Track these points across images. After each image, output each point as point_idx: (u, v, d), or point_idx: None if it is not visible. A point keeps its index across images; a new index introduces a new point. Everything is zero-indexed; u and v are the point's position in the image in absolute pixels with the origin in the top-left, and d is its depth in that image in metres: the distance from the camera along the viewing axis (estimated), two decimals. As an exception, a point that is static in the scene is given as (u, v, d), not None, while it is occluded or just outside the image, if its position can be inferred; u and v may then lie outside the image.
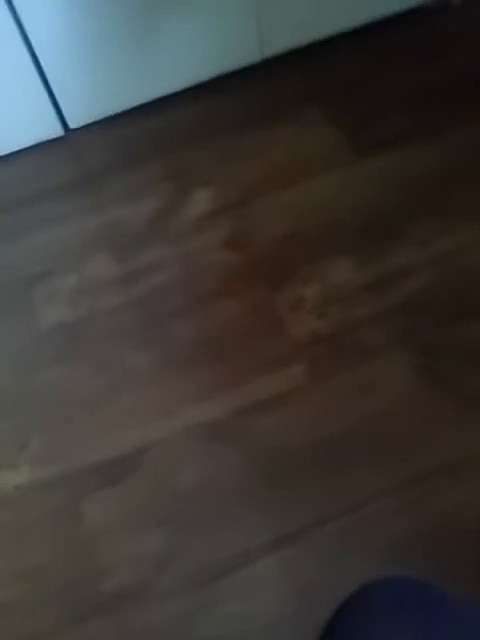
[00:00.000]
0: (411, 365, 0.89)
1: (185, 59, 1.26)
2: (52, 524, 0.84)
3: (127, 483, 0.85)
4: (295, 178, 1.13)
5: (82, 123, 1.29)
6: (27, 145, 1.28)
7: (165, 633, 0.74)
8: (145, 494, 0.84)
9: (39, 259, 1.12)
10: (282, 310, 0.97)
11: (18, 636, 0.74)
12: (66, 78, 1.22)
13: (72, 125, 1.29)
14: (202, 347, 0.96)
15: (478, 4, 1.31)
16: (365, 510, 0.80)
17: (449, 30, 1.30)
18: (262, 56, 1.29)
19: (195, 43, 1.24)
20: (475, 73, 1.21)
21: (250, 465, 0.85)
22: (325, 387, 0.89)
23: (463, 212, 1.03)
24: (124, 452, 0.88)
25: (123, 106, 1.29)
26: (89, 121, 1.29)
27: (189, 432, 0.88)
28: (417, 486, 0.80)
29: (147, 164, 1.21)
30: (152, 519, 0.82)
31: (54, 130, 1.28)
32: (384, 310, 0.94)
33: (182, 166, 1.19)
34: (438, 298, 0.93)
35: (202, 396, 0.91)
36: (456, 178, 1.07)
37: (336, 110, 1.20)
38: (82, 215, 1.17)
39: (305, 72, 1.26)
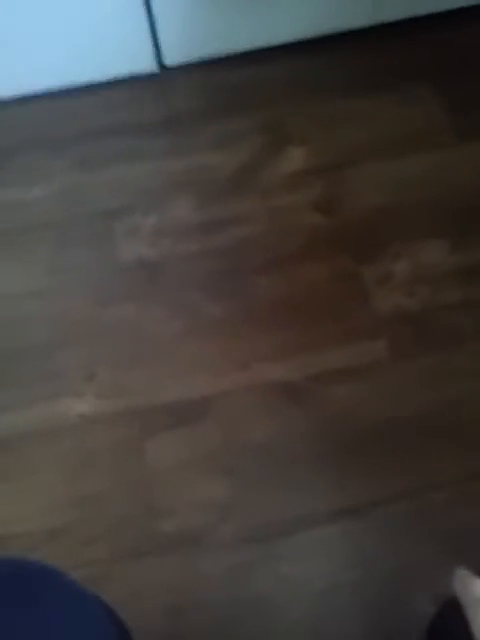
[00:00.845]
0: (496, 357, 0.87)
1: (295, 12, 1.21)
2: (114, 457, 0.83)
3: (193, 428, 0.84)
4: (394, 151, 1.09)
5: (178, 62, 1.26)
6: (119, 76, 1.25)
7: (220, 582, 0.74)
8: (211, 441, 0.83)
9: (120, 193, 1.10)
10: (368, 282, 0.95)
11: (73, 561, 0.74)
12: (170, 12, 1.18)
13: (168, 62, 1.26)
14: (281, 307, 0.94)
15: None
16: (431, 495, 0.79)
17: None
18: (374, 20, 1.24)
19: (308, -3, 1.20)
20: None
21: (320, 432, 0.83)
22: (405, 366, 0.87)
23: None
24: (192, 397, 0.87)
25: (224, 51, 1.25)
26: (186, 61, 1.26)
27: (261, 388, 0.87)
28: (486, 480, 0.79)
29: (241, 114, 1.18)
30: (216, 467, 0.81)
31: (149, 65, 1.25)
32: (475, 298, 0.91)
33: (278, 121, 1.15)
34: None
35: (277, 355, 0.89)
36: None
37: (445, 88, 1.15)
38: (168, 156, 1.15)
39: (417, 44, 1.21)
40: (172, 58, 1.25)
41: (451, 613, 0.40)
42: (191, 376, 0.89)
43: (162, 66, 1.26)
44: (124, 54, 1.23)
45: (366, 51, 1.22)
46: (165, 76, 1.26)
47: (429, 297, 0.92)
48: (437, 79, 1.16)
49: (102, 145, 1.17)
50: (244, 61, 1.24)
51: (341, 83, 1.19)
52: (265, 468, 0.80)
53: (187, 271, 0.99)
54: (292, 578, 0.74)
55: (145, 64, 1.25)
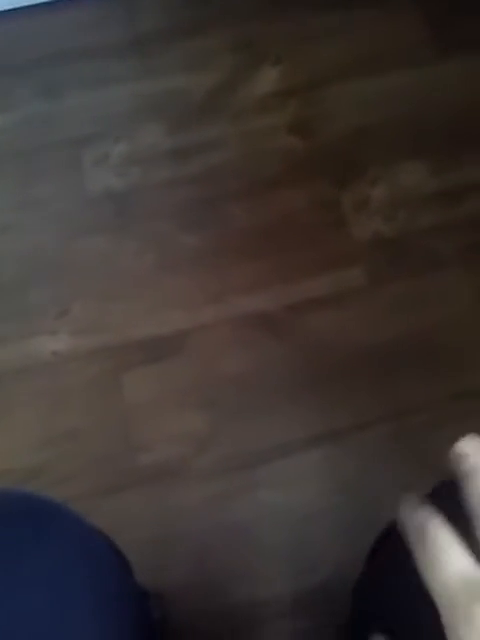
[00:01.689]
0: (473, 282, 0.86)
1: None
2: (89, 393, 0.82)
3: (170, 362, 0.83)
4: (373, 68, 1.04)
5: (143, -24, 1.17)
6: (81, -7, 1.17)
7: (200, 512, 0.74)
8: (187, 375, 0.82)
9: (87, 120, 1.04)
10: (346, 208, 0.92)
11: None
12: None
13: (132, -24, 1.17)
14: (257, 235, 0.91)
15: None
16: (409, 418, 0.79)
17: None
18: None
19: None
20: None
21: (297, 361, 0.83)
22: (383, 292, 0.86)
23: None
24: (168, 331, 0.85)
25: (191, -38, 1.16)
26: (151, -25, 1.17)
27: (237, 320, 0.85)
28: (466, 402, 0.79)
29: (212, 32, 1.11)
30: (193, 400, 0.80)
31: (112, -21, 1.16)
32: (455, 222, 0.89)
33: (250, 39, 1.09)
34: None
35: (253, 286, 0.87)
36: None
37: (425, 1, 1.08)
38: (136, 79, 1.09)
39: None
40: (136, -29, 1.17)
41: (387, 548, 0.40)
42: (166, 310, 0.87)
43: (126, -20, 1.17)
44: (85, -32, 1.14)
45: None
46: (130, -8, 1.18)
47: (407, 222, 0.89)
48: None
49: (67, 69, 1.10)
50: (213, -27, 1.16)
51: (316, -4, 1.11)
52: (243, 399, 0.80)
53: (158, 201, 0.96)
54: (271, 505, 0.74)
55: (108, -21, 1.16)
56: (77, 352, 0.85)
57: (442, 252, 0.87)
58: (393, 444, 0.76)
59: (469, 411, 0.78)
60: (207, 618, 0.71)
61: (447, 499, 0.29)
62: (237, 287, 0.87)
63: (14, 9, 1.15)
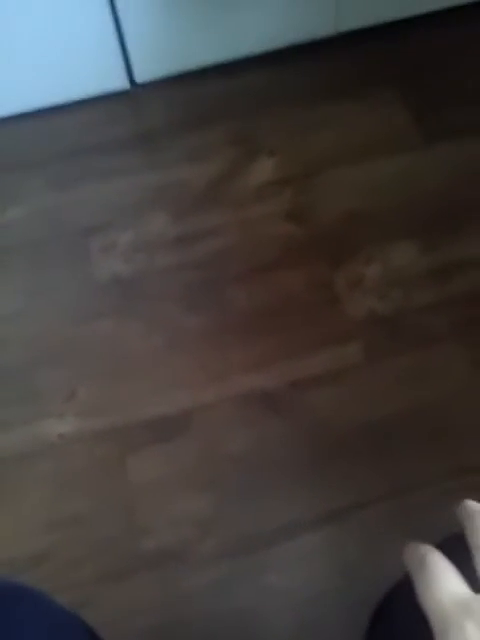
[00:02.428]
0: (470, 357, 0.88)
1: (259, 25, 1.22)
2: (94, 476, 0.83)
3: (174, 443, 0.84)
4: (362, 157, 1.10)
5: (149, 79, 1.27)
6: (91, 95, 1.26)
7: (204, 597, 0.74)
8: (192, 456, 0.83)
9: (96, 211, 1.10)
10: (341, 287, 0.95)
11: (57, 585, 0.73)
12: (140, 30, 1.19)
13: (139, 79, 1.27)
14: (258, 316, 0.94)
15: None
16: (412, 495, 0.79)
17: None
18: (336, 30, 1.26)
19: (271, 9, 1.21)
20: None
21: (299, 438, 0.84)
22: (380, 368, 0.88)
23: None
24: (173, 412, 0.87)
25: (192, 65, 1.26)
26: (156, 77, 1.27)
27: (240, 399, 0.87)
28: (465, 478, 0.79)
29: (211, 127, 1.19)
30: (197, 481, 0.81)
31: (120, 82, 1.26)
32: (447, 299, 0.92)
33: (247, 132, 1.16)
34: (505, 292, 0.92)
35: (255, 365, 0.90)
36: None
37: (409, 92, 1.16)
38: (141, 171, 1.16)
39: (380, 50, 1.23)
40: (142, 75, 1.27)
41: (404, 588, 0.41)
42: (171, 390, 0.89)
43: (133, 83, 1.27)
44: (95, 73, 1.24)
45: (331, 60, 1.23)
46: (136, 92, 1.27)
47: (400, 299, 0.93)
48: (401, 84, 1.17)
49: (76, 164, 1.17)
50: (213, 75, 1.25)
51: (308, 92, 1.20)
52: (246, 480, 0.81)
53: (164, 285, 1.00)
54: (276, 589, 0.74)
55: (116, 82, 1.26)
56: (83, 434, 0.87)
57: (437, 328, 0.90)
58: (395, 522, 0.76)
59: (471, 487, 0.78)
60: None
61: (451, 552, 0.31)
62: (239, 366, 0.90)
63: (27, 112, 1.24)
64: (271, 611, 0.72)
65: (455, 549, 0.31)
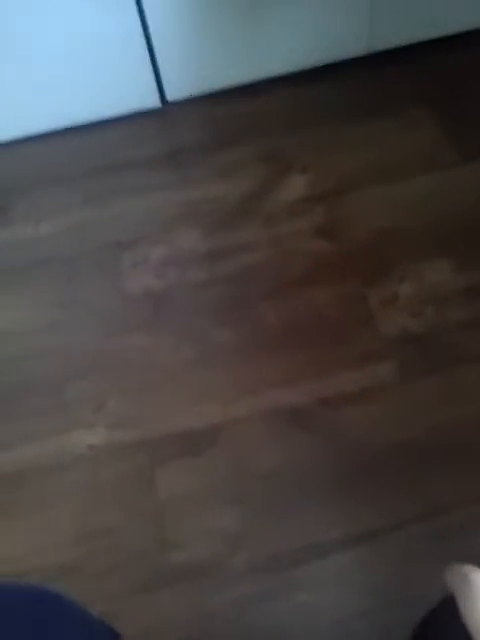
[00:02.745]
0: (505, 377, 0.86)
1: (290, 44, 1.24)
2: (124, 488, 0.83)
3: (204, 457, 0.84)
4: (395, 175, 1.10)
5: (180, 97, 1.29)
6: (123, 113, 1.28)
7: (232, 614, 0.73)
8: (221, 470, 0.83)
9: (128, 226, 1.12)
10: (374, 305, 0.95)
11: (84, 596, 0.73)
12: (171, 50, 1.21)
13: (170, 98, 1.29)
14: (289, 332, 0.94)
15: None
16: (445, 517, 0.78)
17: None
18: (369, 50, 1.27)
19: (302, 29, 1.22)
20: None
21: (330, 456, 0.83)
22: (413, 387, 0.87)
23: None
24: (203, 426, 0.87)
25: (223, 85, 1.28)
26: (187, 96, 1.29)
27: (270, 414, 0.86)
28: (502, 500, 0.78)
29: (242, 145, 1.20)
30: (227, 496, 0.81)
31: (152, 101, 1.28)
32: (481, 317, 0.91)
33: (278, 151, 1.17)
34: None
35: (286, 381, 0.89)
36: None
37: (442, 111, 1.17)
38: (173, 188, 1.17)
39: (413, 69, 1.23)
40: (174, 93, 1.29)
41: (441, 614, 0.40)
42: (200, 404, 0.89)
43: (164, 101, 1.29)
44: (128, 92, 1.26)
45: (363, 78, 1.24)
46: (168, 111, 1.29)
47: (434, 318, 0.92)
48: (434, 102, 1.17)
49: (109, 180, 1.19)
50: (244, 93, 1.26)
51: (340, 110, 1.20)
52: (276, 496, 0.80)
53: (195, 300, 1.00)
54: (306, 608, 0.72)
55: (148, 100, 1.28)
56: (113, 446, 0.87)
57: (471, 347, 0.89)
58: (428, 544, 0.75)
59: (507, 509, 0.77)
60: None
61: None
62: (270, 381, 0.89)
63: (62, 129, 1.27)
64: (300, 630, 0.71)
65: None
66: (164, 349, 0.95)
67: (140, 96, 1.27)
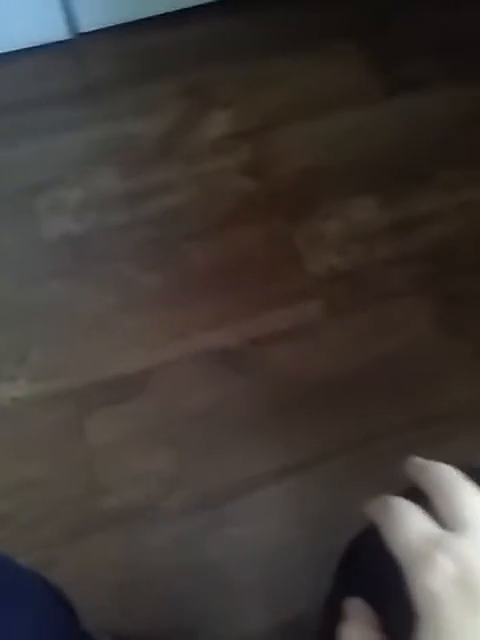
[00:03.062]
0: (430, 310, 0.88)
1: (210, -30, 1.18)
2: (51, 439, 0.81)
3: (133, 402, 0.82)
4: (320, 110, 1.08)
5: (93, 28, 1.20)
6: (31, 45, 1.19)
7: (169, 553, 0.73)
8: (151, 414, 0.81)
9: (41, 167, 1.05)
10: (300, 243, 0.94)
11: (19, 546, 0.71)
12: (81, -25, 1.13)
13: (82, 29, 1.20)
14: (215, 273, 0.92)
15: None
16: (374, 446, 0.80)
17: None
18: (291, -21, 1.22)
19: (221, -45, 1.16)
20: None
21: (261, 394, 0.83)
22: (341, 324, 0.88)
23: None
24: (130, 372, 0.85)
25: (139, 15, 1.20)
26: (100, 27, 1.21)
27: (201, 356, 0.85)
28: (428, 427, 0.81)
29: (162, 79, 1.14)
30: (158, 439, 0.80)
31: (62, 32, 1.19)
32: (406, 253, 0.92)
33: (200, 85, 1.13)
34: (462, 247, 0.92)
35: (214, 322, 0.88)
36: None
37: (366, 44, 1.15)
38: (88, 125, 1.10)
39: (340, 2, 1.20)
40: (86, 24, 1.20)
41: (364, 541, 0.41)
42: (127, 350, 0.87)
43: (76, 32, 1.20)
44: (36, 22, 1.17)
45: (286, 10, 1.20)
46: (80, 43, 1.21)
47: (360, 255, 0.92)
48: (358, 35, 1.15)
49: (18, 118, 1.11)
50: (161, 24, 1.20)
51: (262, 43, 1.16)
52: (208, 436, 0.80)
53: (116, 244, 0.96)
54: (242, 541, 0.73)
55: (58, 31, 1.19)
56: (38, 397, 0.84)
57: (397, 282, 0.90)
58: (359, 472, 0.77)
59: (433, 436, 0.80)
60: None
61: (414, 501, 0.30)
62: (199, 324, 0.88)
63: (-36, 61, 1.16)
64: (238, 563, 0.72)
65: (416, 499, 0.30)
66: (86, 296, 0.91)
67: (49, 27, 1.18)
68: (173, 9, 1.20)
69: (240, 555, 0.73)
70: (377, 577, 0.36)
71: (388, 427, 0.80)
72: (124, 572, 0.71)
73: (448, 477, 0.30)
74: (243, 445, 0.79)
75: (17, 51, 1.18)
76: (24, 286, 0.93)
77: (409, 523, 0.28)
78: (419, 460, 0.32)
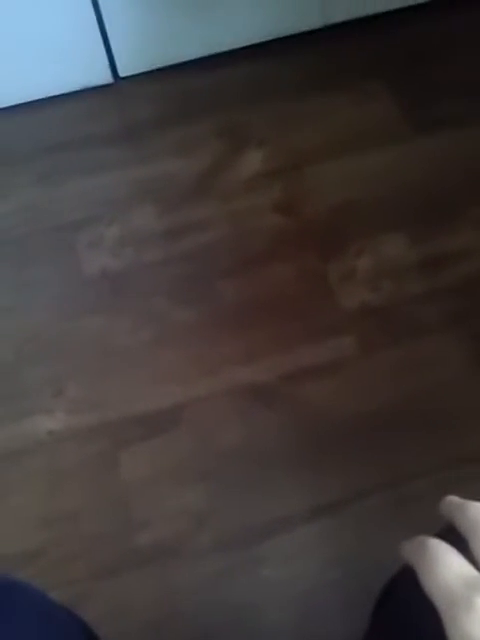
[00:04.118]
0: (463, 347, 0.88)
1: (244, 17, 1.22)
2: (86, 473, 0.82)
3: (166, 437, 0.83)
4: (350, 149, 1.10)
5: (133, 72, 1.26)
6: (75, 89, 1.24)
7: (200, 591, 0.73)
8: (184, 450, 0.82)
9: (82, 206, 1.09)
10: (333, 280, 0.95)
11: (51, 582, 0.72)
12: (122, 23, 1.18)
13: (122, 73, 1.25)
14: (249, 309, 0.94)
15: None
16: (408, 486, 0.79)
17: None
18: (324, 22, 1.25)
19: (256, 1, 1.20)
20: None
21: (293, 431, 0.83)
22: (374, 360, 0.88)
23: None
24: (164, 406, 0.86)
25: (176, 59, 1.25)
26: (140, 71, 1.26)
27: (232, 392, 0.86)
28: (463, 468, 0.79)
29: (197, 121, 1.18)
30: (191, 475, 0.80)
31: (104, 76, 1.25)
32: (438, 289, 0.92)
33: (234, 126, 1.16)
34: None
35: (247, 358, 0.89)
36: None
37: (397, 84, 1.17)
38: (127, 165, 1.14)
39: (368, 42, 1.23)
40: (126, 68, 1.25)
41: (401, 582, 0.40)
42: (161, 385, 0.88)
43: (117, 77, 1.26)
44: (79, 67, 1.23)
45: (317, 52, 1.23)
46: (120, 86, 1.26)
47: (392, 291, 0.92)
48: (388, 76, 1.17)
49: (61, 158, 1.16)
50: (198, 68, 1.24)
51: (295, 85, 1.19)
52: (240, 472, 0.80)
53: (152, 279, 0.99)
54: (273, 581, 0.73)
55: (100, 76, 1.25)
56: (73, 431, 0.86)
57: (428, 319, 0.90)
58: (392, 512, 0.76)
59: (467, 476, 0.78)
60: None
61: (450, 542, 0.30)
62: (231, 359, 0.89)
63: (11, 107, 1.22)
64: (269, 604, 0.72)
65: (453, 539, 0.30)
66: (122, 331, 0.93)
67: (91, 72, 1.24)
68: (209, 53, 1.25)
69: (272, 596, 0.72)
70: (414, 620, 0.36)
71: (421, 466, 0.79)
72: (155, 610, 0.71)
73: None
74: (274, 483, 0.79)
75: (62, 95, 1.24)
76: (62, 320, 0.96)
77: (447, 565, 0.28)
78: (455, 499, 0.32)
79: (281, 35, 1.25)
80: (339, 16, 1.25)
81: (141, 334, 0.93)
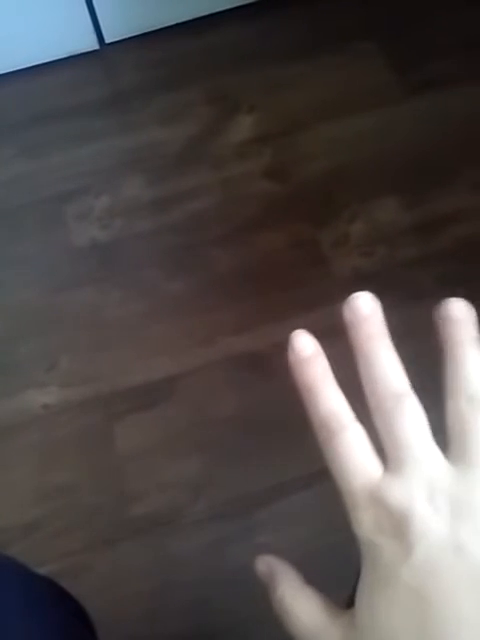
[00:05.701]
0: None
1: (232, -24, 1.18)
2: (81, 445, 0.82)
3: (161, 409, 0.83)
4: (342, 112, 1.07)
5: (119, 37, 1.22)
6: (59, 57, 1.21)
7: (196, 560, 0.73)
8: (179, 421, 0.82)
9: (70, 177, 1.07)
10: (325, 246, 0.94)
11: (48, 554, 0.72)
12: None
13: (108, 39, 1.22)
14: (241, 278, 0.93)
15: None
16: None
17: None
18: (314, -20, 1.21)
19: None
20: None
21: (287, 399, 0.82)
22: (368, 327, 0.87)
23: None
24: (158, 378, 0.85)
25: (164, 23, 1.21)
26: (126, 36, 1.22)
27: (226, 362, 0.85)
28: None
29: (186, 86, 1.15)
30: (185, 446, 0.80)
31: (89, 42, 1.21)
32: (433, 253, 0.91)
33: (224, 91, 1.13)
34: (490, 245, 0.90)
35: (241, 327, 0.88)
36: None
37: (387, 45, 1.13)
38: (115, 134, 1.12)
39: (357, 3, 1.19)
40: (112, 33, 1.22)
41: None
42: (155, 357, 0.88)
43: (102, 43, 1.22)
44: (63, 34, 1.19)
45: (306, 14, 1.19)
46: (106, 53, 1.23)
47: (385, 256, 0.91)
48: (379, 37, 1.14)
49: (48, 129, 1.13)
50: (185, 32, 1.21)
51: (283, 48, 1.16)
52: (236, 441, 0.80)
53: (143, 250, 0.97)
54: (270, 548, 0.72)
55: (85, 42, 1.21)
56: (68, 404, 0.85)
57: (423, 283, 0.89)
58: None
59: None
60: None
61: None
62: (224, 329, 0.88)
63: (-4, 75, 1.19)
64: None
65: None
66: (113, 303, 0.92)
67: (76, 38, 1.20)
68: (196, 16, 1.21)
69: (267, 561, 0.72)
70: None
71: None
72: (152, 580, 0.71)
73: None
74: (269, 451, 0.79)
75: (46, 63, 1.20)
76: (53, 293, 0.95)
77: (352, 464, 0.26)
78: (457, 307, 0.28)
79: (269, -4, 1.22)
80: (329, -26, 1.21)
81: (133, 306, 0.92)
